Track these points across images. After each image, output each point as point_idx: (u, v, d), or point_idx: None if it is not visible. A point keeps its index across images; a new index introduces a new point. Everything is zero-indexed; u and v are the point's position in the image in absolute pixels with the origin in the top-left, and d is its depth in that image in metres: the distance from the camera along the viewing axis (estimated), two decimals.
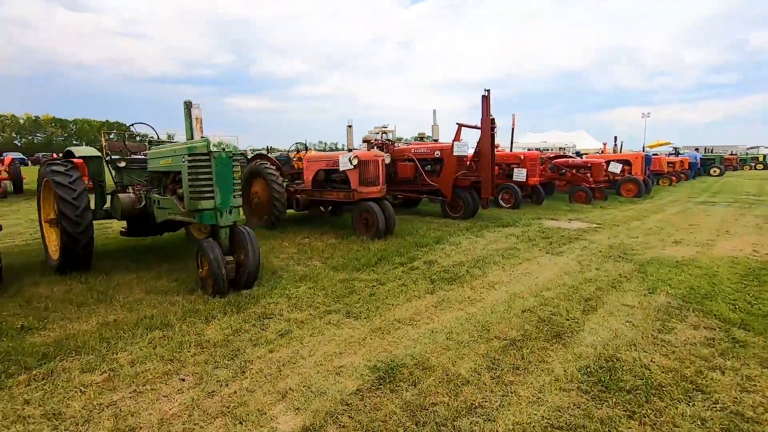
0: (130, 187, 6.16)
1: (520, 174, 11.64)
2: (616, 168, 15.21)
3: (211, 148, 4.58)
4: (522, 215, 10.20)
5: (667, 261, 5.86)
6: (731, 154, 39.45)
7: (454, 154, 9.23)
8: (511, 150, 12.27)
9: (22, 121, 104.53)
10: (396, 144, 12.04)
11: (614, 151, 17.50)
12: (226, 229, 4.80)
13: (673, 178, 20.93)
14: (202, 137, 4.88)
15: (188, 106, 5.14)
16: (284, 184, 8.59)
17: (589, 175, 13.16)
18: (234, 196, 4.82)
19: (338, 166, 7.80)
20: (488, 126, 8.98)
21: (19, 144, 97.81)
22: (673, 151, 26.80)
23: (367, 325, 3.75)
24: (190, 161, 4.64)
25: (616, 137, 16.56)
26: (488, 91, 8.99)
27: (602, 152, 17.41)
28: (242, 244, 4.73)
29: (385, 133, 33.36)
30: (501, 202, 11.65)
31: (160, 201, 5.43)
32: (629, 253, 6.34)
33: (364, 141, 7.79)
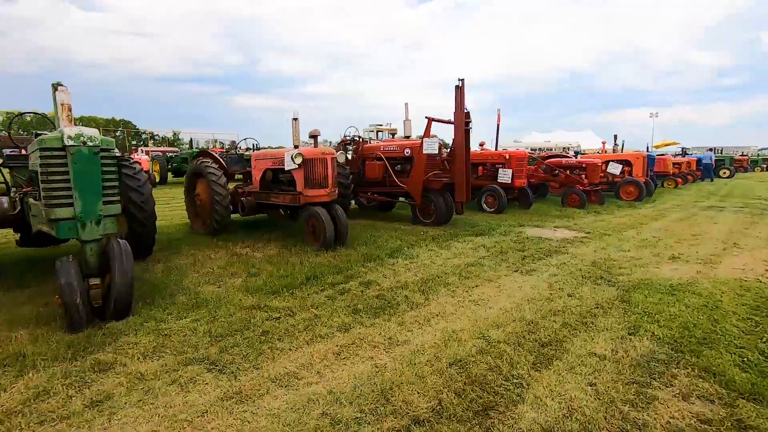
0: (14, 189, 5.18)
1: (504, 175, 10.54)
2: (615, 169, 14.05)
3: (66, 142, 3.58)
4: (503, 221, 9.11)
5: (658, 285, 4.76)
6: (742, 155, 37.90)
7: (424, 151, 8.15)
8: (496, 148, 11.17)
9: (29, 119, 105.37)
10: (371, 141, 11.00)
11: (614, 151, 16.32)
12: (93, 244, 3.79)
13: (679, 179, 19.69)
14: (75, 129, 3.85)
15: (55, 88, 4.13)
16: (230, 185, 7.59)
17: (583, 176, 12.02)
18: (105, 202, 3.82)
19: (284, 165, 6.76)
20: (461, 120, 7.90)
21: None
22: (681, 152, 25.47)
23: (226, 386, 2.71)
24: (41, 158, 3.64)
25: (615, 136, 15.39)
26: (462, 81, 7.91)
27: (601, 152, 16.21)
28: (112, 262, 3.72)
29: (380, 131, 32.45)
30: (484, 206, 10.56)
31: (32, 207, 4.43)
32: (614, 273, 5.25)
33: (310, 136, 6.72)
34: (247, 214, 7.64)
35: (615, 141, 15.48)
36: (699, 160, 24.24)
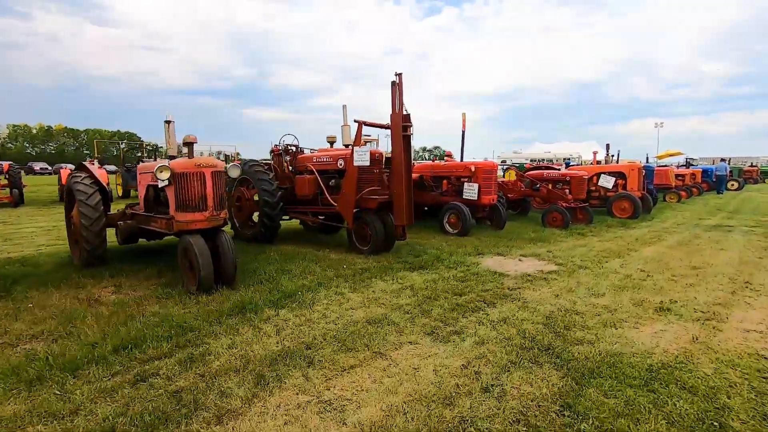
0: None
1: (470, 190, 8.93)
2: (607, 182, 12.41)
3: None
4: (462, 247, 7.49)
5: (631, 368, 3.11)
6: (751, 166, 36.00)
7: (355, 163, 6.59)
8: (461, 159, 9.58)
9: (35, 131, 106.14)
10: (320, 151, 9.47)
11: (606, 162, 14.66)
12: None
13: (683, 193, 17.95)
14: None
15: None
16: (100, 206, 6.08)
17: (567, 191, 10.38)
18: None
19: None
20: (399, 124, 6.34)
21: (33, 153, 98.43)
22: (685, 163, 23.72)
23: None
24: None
25: (608, 145, 13.73)
26: (400, 75, 6.38)
27: (593, 162, 14.58)
28: None
29: (368, 142, 31.02)
30: (447, 227, 8.95)
31: None
32: (570, 341, 3.61)
33: (184, 143, 5.18)
34: (125, 241, 6.09)
35: (607, 150, 13.83)
36: (705, 172, 22.48)
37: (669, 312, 4.28)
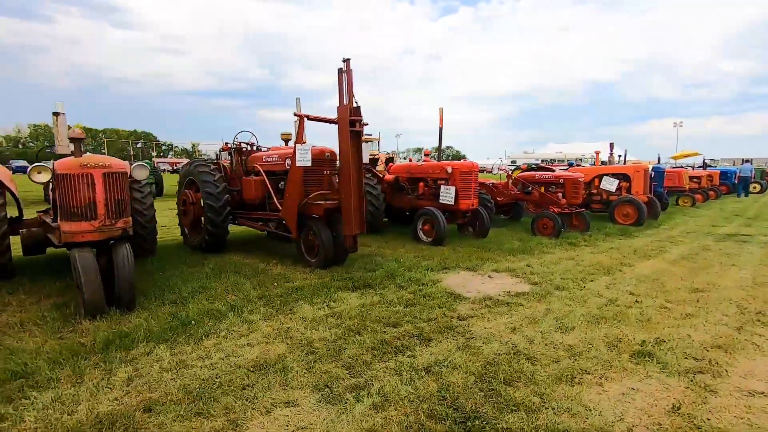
0: None
1: (446, 194, 7.98)
2: (610, 184, 11.32)
3: None
4: (428, 260, 6.56)
5: None
6: None
7: (297, 163, 5.71)
8: (439, 159, 8.62)
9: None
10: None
11: (609, 162, 13.49)
12: None
13: (698, 196, 16.64)
14: None
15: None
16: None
17: (560, 195, 9.33)
18: None
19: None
20: (347, 117, 5.44)
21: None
22: (702, 164, 22.24)
23: None
24: None
25: (611, 144, 12.56)
26: (347, 61, 5.48)
27: (595, 162, 13.43)
28: None
29: (368, 141, 30.08)
30: (421, 235, 8.02)
31: None
32: (505, 404, 2.66)
33: (70, 139, 4.36)
34: (29, 251, 5.32)
35: (611, 150, 12.67)
36: (724, 173, 21.00)
37: (650, 359, 3.29)
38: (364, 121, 6.11)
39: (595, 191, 11.78)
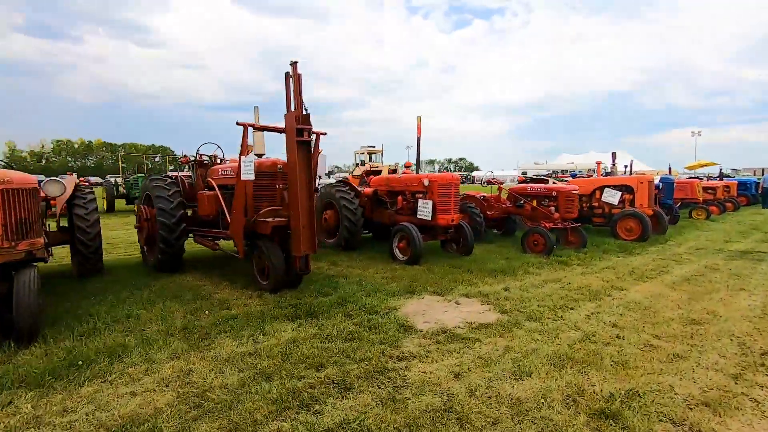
0: None
1: (424, 208, 7.36)
2: (612, 197, 10.56)
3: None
4: (395, 281, 5.95)
5: None
6: None
7: (242, 177, 5.19)
8: (417, 170, 8.02)
9: (76, 146, 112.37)
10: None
11: (611, 172, 12.67)
12: None
13: (712, 208, 15.64)
14: None
15: None
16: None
17: (553, 208, 8.61)
18: None
19: None
20: (294, 126, 4.91)
21: (74, 167, 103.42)
22: (719, 174, 21.11)
23: None
24: None
25: (614, 154, 11.77)
26: (294, 64, 4.97)
27: (596, 173, 12.65)
28: None
29: (372, 153, 29.68)
30: (396, 253, 7.40)
31: None
32: None
33: None
34: None
35: (613, 160, 11.88)
36: (743, 184, 19.86)
37: (613, 423, 2.60)
38: (323, 130, 5.61)
39: (596, 204, 11.00)
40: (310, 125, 5.00)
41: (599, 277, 6.38)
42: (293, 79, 4.96)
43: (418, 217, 7.50)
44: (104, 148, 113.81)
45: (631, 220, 9.82)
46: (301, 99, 4.99)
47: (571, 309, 4.85)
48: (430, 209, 7.27)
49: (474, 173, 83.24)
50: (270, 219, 5.26)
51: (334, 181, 8.81)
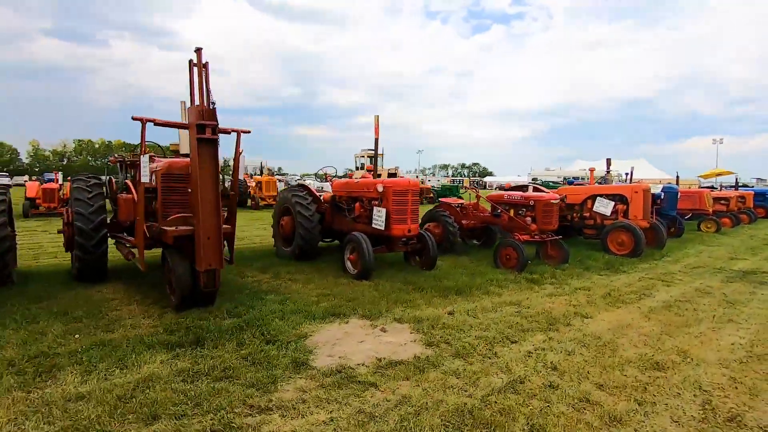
0: None
1: (378, 217, 6.64)
2: (604, 207, 9.69)
3: None
4: (329, 299, 5.25)
5: None
6: None
7: (141, 179, 4.55)
8: (375, 174, 7.29)
9: (96, 146, 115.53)
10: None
11: (605, 180, 11.73)
12: None
13: (724, 220, 14.52)
14: None
15: None
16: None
17: (529, 219, 7.77)
18: None
19: None
20: (194, 121, 4.26)
21: (94, 166, 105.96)
22: (735, 183, 19.80)
23: None
24: None
25: (609, 160, 10.85)
26: (199, 51, 4.33)
27: (588, 180, 11.74)
28: None
29: (372, 157, 29.01)
30: (348, 266, 6.70)
31: None
32: None
33: None
34: None
35: (608, 167, 10.95)
36: (760, 194, 18.53)
37: None
38: (246, 128, 4.96)
39: (587, 215, 10.11)
40: (216, 121, 4.34)
41: (567, 301, 5.56)
42: (197, 68, 4.32)
43: (373, 226, 6.78)
44: (123, 148, 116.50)
45: (623, 233, 8.90)
46: (208, 91, 4.35)
47: (513, 343, 4.07)
48: (383, 218, 6.54)
49: (486, 179, 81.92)
50: (172, 227, 4.61)
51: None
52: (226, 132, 4.81)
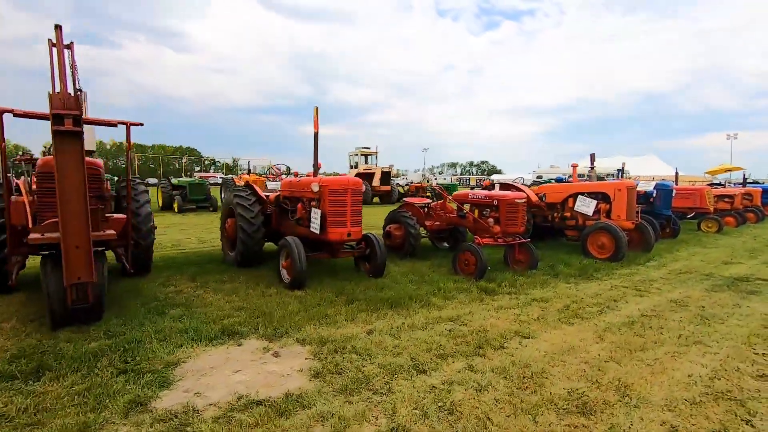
0: None
1: (314, 219, 5.98)
2: (586, 206, 8.91)
3: None
4: (237, 314, 4.60)
5: None
6: None
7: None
8: (315, 173, 6.60)
9: (108, 147, 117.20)
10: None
11: (589, 177, 10.89)
12: None
13: (727, 219, 13.57)
14: None
15: None
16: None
17: (492, 220, 7.03)
18: None
19: None
20: (58, 110, 3.63)
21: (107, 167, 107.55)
22: (743, 180, 18.67)
23: None
24: None
25: (593, 155, 10.01)
26: (59, 28, 3.71)
27: (572, 178, 10.90)
28: None
29: (366, 155, 28.32)
30: (282, 273, 6.05)
31: None
32: None
33: None
34: None
35: (592, 162, 10.11)
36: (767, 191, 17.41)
37: None
38: (138, 121, 4.34)
39: (568, 214, 9.32)
40: (80, 111, 3.71)
41: (515, 315, 4.83)
42: (57, 49, 3.70)
43: (311, 229, 6.12)
44: (134, 149, 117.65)
45: (603, 235, 8.11)
46: (73, 75, 3.73)
47: (421, 373, 3.38)
48: (319, 221, 5.88)
49: (493, 177, 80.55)
50: (37, 234, 4.01)
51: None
52: (110, 124, 4.19)
